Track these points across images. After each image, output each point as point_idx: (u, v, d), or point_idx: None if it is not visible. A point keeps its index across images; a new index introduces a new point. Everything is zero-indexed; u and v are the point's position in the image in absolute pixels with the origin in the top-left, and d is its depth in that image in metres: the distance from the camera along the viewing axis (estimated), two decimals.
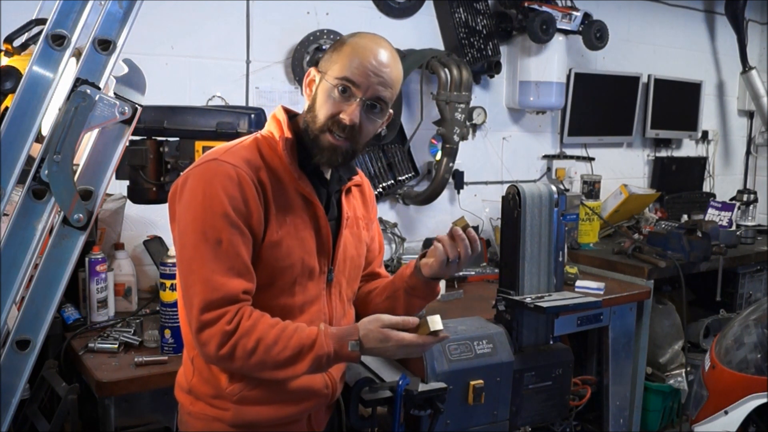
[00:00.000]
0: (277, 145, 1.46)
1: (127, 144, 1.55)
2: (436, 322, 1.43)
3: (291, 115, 1.54)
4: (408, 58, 3.20)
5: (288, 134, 1.47)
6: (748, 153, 5.07)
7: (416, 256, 1.64)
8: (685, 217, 4.07)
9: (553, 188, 2.09)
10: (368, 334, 1.42)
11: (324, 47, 3.00)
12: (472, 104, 3.36)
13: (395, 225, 3.36)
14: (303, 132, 1.48)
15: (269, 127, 1.51)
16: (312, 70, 1.49)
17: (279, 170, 1.46)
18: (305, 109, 1.49)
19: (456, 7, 3.37)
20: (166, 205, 1.48)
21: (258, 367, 1.40)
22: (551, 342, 2.07)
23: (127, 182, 2.16)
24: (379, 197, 3.29)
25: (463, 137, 3.23)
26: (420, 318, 1.45)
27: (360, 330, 1.42)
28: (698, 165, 4.69)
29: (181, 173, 1.46)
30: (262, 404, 1.49)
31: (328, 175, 1.55)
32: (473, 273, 3.20)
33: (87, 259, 2.20)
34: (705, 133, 4.72)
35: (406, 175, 3.33)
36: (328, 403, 1.62)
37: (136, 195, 2.15)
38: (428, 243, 3.36)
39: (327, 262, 1.54)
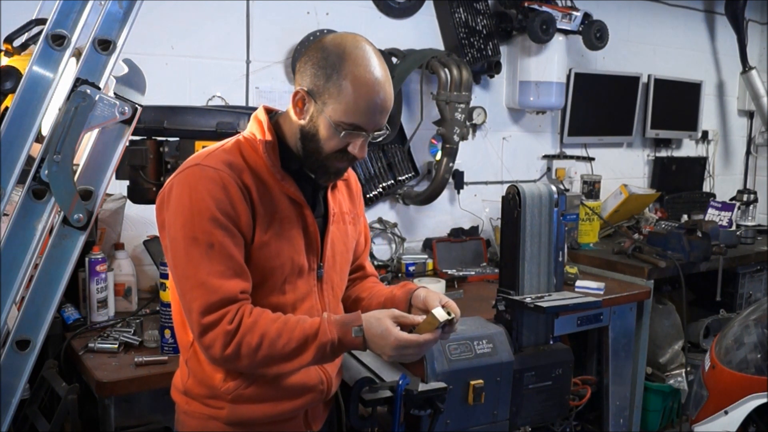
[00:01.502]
0: (259, 147, 1.46)
1: (127, 144, 1.55)
2: (441, 315, 1.42)
3: (273, 113, 1.54)
4: (408, 58, 3.20)
5: (268, 137, 1.46)
6: (748, 153, 5.07)
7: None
8: (685, 217, 4.07)
9: (553, 188, 2.09)
10: (372, 323, 1.41)
11: None
12: (472, 104, 3.36)
13: (395, 225, 3.36)
14: (300, 154, 1.47)
15: (251, 129, 1.50)
16: (303, 94, 1.42)
17: (262, 172, 1.45)
18: (298, 132, 1.46)
19: (456, 7, 3.37)
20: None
21: (265, 362, 1.40)
22: (551, 342, 2.08)
23: (127, 182, 2.16)
24: (379, 197, 3.29)
25: (463, 137, 3.23)
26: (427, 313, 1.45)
27: (363, 318, 1.42)
28: (698, 165, 4.69)
29: (166, 181, 1.45)
30: (258, 402, 1.49)
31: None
32: (473, 273, 3.20)
33: (87, 259, 2.20)
34: (705, 133, 4.72)
35: (406, 175, 3.33)
36: (325, 400, 1.62)
37: (136, 195, 2.15)
38: (428, 243, 3.38)
39: (316, 259, 1.54)
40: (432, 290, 1.59)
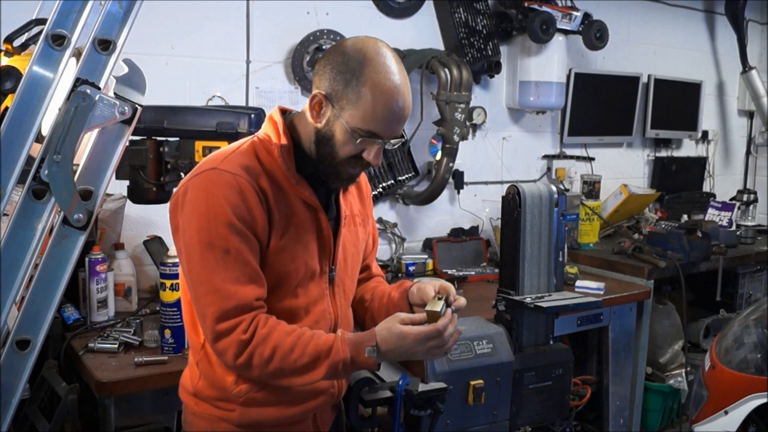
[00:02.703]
0: (274, 151, 1.45)
1: (127, 144, 1.55)
2: (434, 304, 1.43)
3: (287, 114, 1.53)
4: (408, 58, 3.20)
5: (284, 140, 1.45)
6: (748, 153, 5.07)
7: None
8: (685, 217, 4.07)
9: (553, 188, 2.09)
10: (385, 335, 1.41)
11: (324, 47, 3.00)
12: (472, 104, 3.36)
13: (395, 225, 3.36)
14: (313, 158, 1.46)
15: (266, 129, 1.49)
16: (321, 98, 1.40)
17: (278, 175, 1.45)
18: (313, 134, 1.44)
19: (456, 7, 3.37)
20: (167, 205, 1.48)
21: (276, 374, 1.40)
22: (551, 342, 2.08)
23: (127, 182, 2.16)
24: (379, 197, 3.29)
25: (463, 137, 3.23)
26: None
27: (377, 334, 1.42)
28: (698, 165, 4.69)
29: (180, 183, 1.45)
30: (269, 405, 1.49)
31: None
32: (473, 273, 3.20)
33: (87, 259, 2.20)
34: (705, 133, 4.72)
35: (406, 175, 3.33)
36: (334, 403, 1.62)
37: (136, 195, 2.15)
38: (428, 243, 3.38)
39: (328, 262, 1.54)
40: (423, 282, 1.58)
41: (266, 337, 1.36)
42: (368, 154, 1.42)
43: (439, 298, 1.45)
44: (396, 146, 1.47)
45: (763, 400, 2.39)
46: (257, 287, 1.40)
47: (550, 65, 3.59)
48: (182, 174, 2.04)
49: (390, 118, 1.39)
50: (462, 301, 1.50)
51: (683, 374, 3.33)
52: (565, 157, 3.98)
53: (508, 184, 2.06)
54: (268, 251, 1.43)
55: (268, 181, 1.43)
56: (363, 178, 1.70)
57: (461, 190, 3.54)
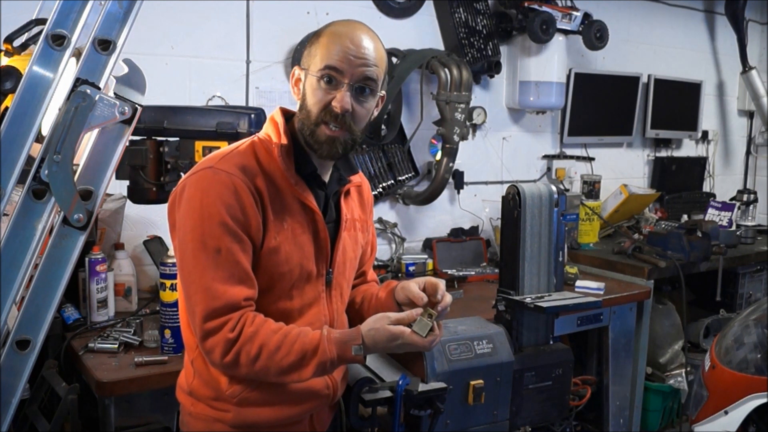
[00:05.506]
0: (273, 150, 1.46)
1: (127, 144, 1.55)
2: (423, 327, 1.43)
3: (289, 116, 1.54)
4: (408, 58, 3.20)
5: (284, 140, 1.46)
6: (748, 153, 5.07)
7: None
8: (685, 217, 4.07)
9: (553, 188, 2.08)
10: (375, 334, 1.42)
11: None
12: (472, 104, 3.36)
13: (395, 225, 3.36)
14: (300, 131, 1.48)
15: (267, 130, 1.50)
16: (296, 69, 1.49)
17: (276, 175, 1.45)
18: (298, 108, 1.49)
19: (456, 7, 3.37)
20: (166, 205, 1.48)
21: (263, 373, 1.40)
22: (551, 342, 2.07)
23: (127, 182, 2.16)
24: (379, 197, 3.28)
25: (463, 137, 3.23)
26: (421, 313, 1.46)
27: (364, 332, 1.42)
28: (698, 165, 4.69)
29: (179, 181, 1.46)
30: (263, 406, 1.49)
31: (326, 178, 1.55)
32: (473, 273, 3.20)
33: (87, 259, 2.20)
34: (705, 133, 4.72)
35: (406, 175, 3.33)
36: (330, 404, 1.62)
37: (136, 195, 2.15)
38: (428, 243, 3.38)
39: (325, 265, 1.54)
40: (405, 281, 1.59)
41: (253, 335, 1.37)
42: (336, 101, 1.42)
43: (429, 316, 1.44)
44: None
45: (763, 400, 2.39)
46: (247, 288, 1.40)
47: (550, 65, 3.59)
48: (182, 174, 2.04)
49: (346, 52, 1.41)
50: (448, 299, 1.51)
51: (683, 374, 3.33)
52: (565, 157, 3.98)
53: (508, 184, 2.06)
54: (262, 252, 1.43)
55: (266, 182, 1.43)
56: (366, 185, 1.71)
57: (461, 190, 3.54)
